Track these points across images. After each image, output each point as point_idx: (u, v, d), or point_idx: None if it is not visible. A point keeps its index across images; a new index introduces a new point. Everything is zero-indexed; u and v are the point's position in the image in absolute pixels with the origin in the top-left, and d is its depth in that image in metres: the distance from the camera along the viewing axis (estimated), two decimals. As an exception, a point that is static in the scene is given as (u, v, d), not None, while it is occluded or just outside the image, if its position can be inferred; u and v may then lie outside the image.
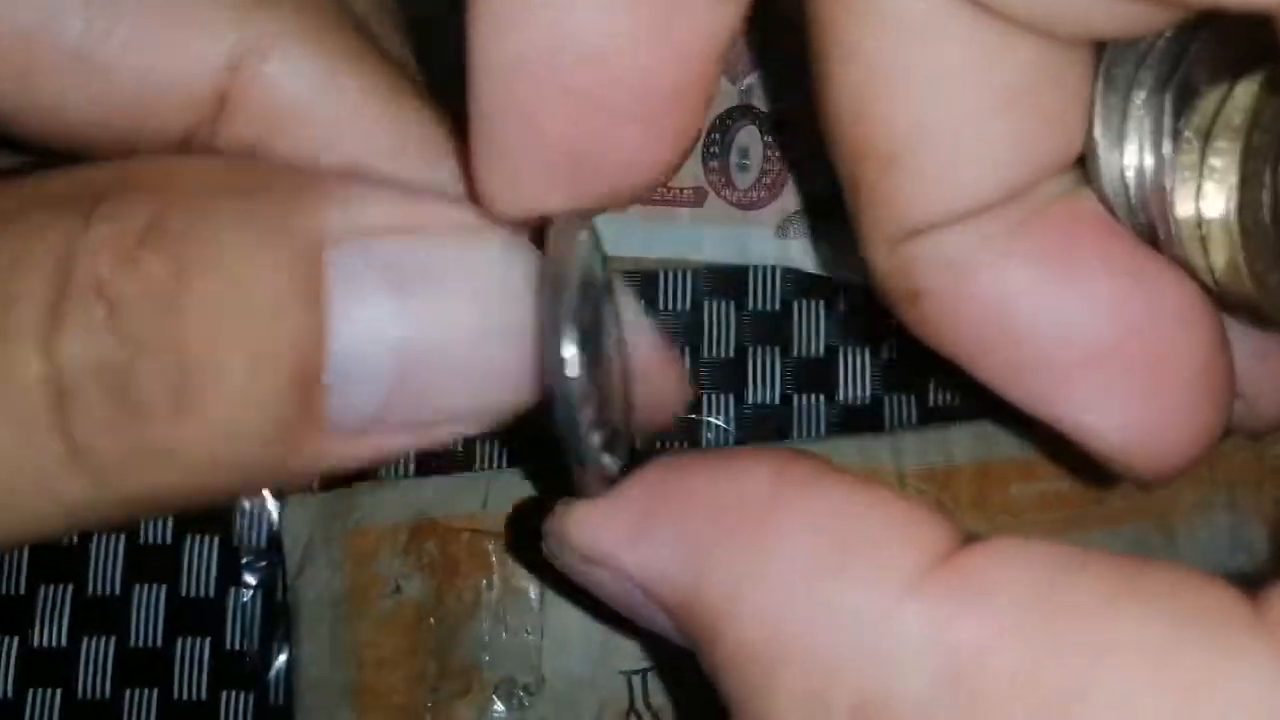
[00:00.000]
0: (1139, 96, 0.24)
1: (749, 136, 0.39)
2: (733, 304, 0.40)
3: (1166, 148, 0.24)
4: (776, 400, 0.39)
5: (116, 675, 0.38)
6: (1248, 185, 0.24)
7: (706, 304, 0.40)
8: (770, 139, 0.39)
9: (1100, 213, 0.24)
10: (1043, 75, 0.22)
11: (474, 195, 0.22)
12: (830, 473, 0.20)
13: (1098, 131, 0.24)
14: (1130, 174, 0.24)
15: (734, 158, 0.39)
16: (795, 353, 0.40)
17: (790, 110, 0.39)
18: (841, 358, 0.40)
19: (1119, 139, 0.24)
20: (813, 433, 0.39)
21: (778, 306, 0.40)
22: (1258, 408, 0.27)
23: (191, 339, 0.19)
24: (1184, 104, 0.24)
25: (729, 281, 0.40)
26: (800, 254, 0.39)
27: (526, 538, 0.25)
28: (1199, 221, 0.24)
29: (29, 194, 0.20)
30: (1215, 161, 0.24)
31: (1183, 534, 0.36)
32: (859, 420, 0.39)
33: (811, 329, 0.40)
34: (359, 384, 0.20)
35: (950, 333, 0.24)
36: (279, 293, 0.19)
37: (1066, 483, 0.36)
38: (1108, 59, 0.24)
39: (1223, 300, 0.25)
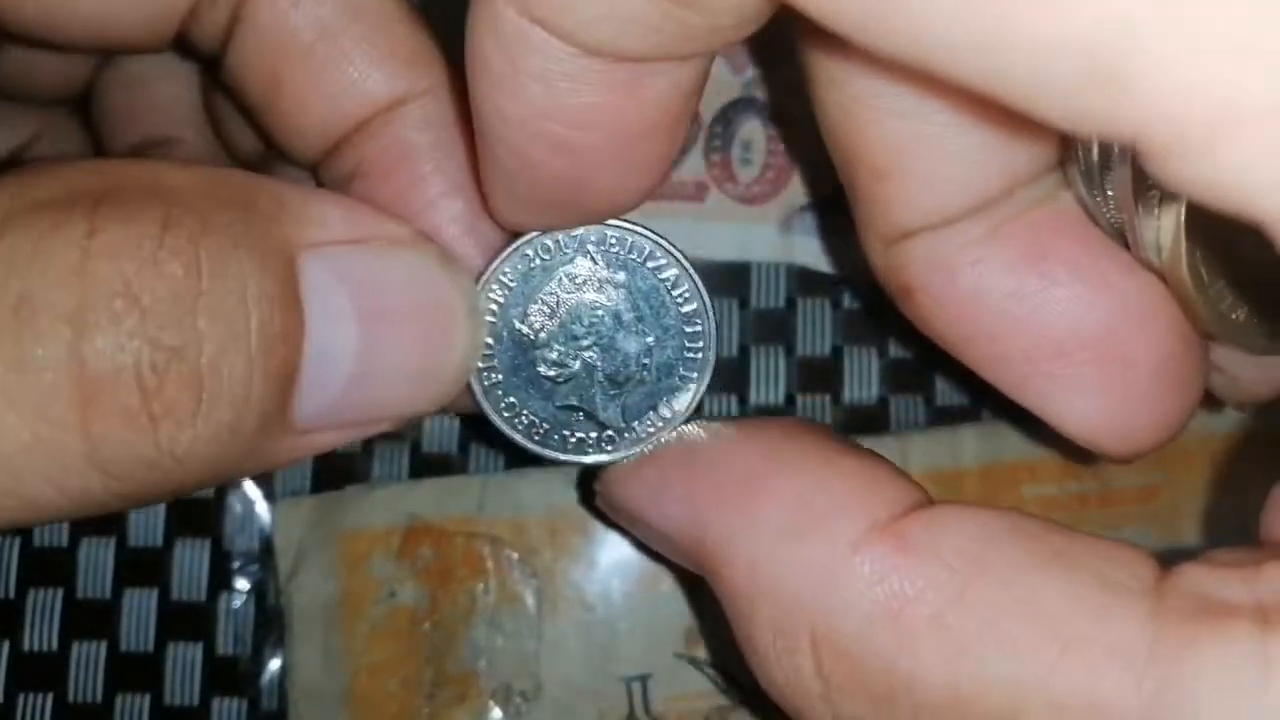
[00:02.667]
0: None
1: (752, 130, 0.38)
2: (735, 302, 0.39)
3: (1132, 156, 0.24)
4: (780, 400, 0.39)
5: (107, 680, 0.38)
6: (1198, 230, 0.24)
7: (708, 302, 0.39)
8: (774, 132, 0.38)
9: (1077, 216, 0.26)
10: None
11: (487, 209, 0.26)
12: (808, 447, 0.24)
13: (1075, 139, 0.25)
14: (1107, 178, 0.25)
15: (736, 152, 0.38)
16: (800, 352, 0.39)
17: (795, 103, 0.38)
18: (847, 357, 0.39)
19: (1091, 143, 0.25)
20: (817, 434, 0.38)
21: (782, 304, 0.39)
22: (1240, 382, 0.30)
23: (208, 340, 0.20)
24: None
25: (731, 279, 0.39)
26: (805, 250, 0.38)
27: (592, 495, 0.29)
28: (1158, 232, 0.25)
29: (27, 194, 0.20)
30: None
31: (1188, 538, 0.36)
32: (865, 421, 0.38)
33: (816, 327, 0.39)
34: (323, 379, 0.23)
35: (937, 325, 0.27)
36: (270, 296, 0.21)
37: (1073, 485, 0.36)
38: None
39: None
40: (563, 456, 0.27)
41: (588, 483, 0.33)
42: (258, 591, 0.37)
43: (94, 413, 0.20)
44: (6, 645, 0.38)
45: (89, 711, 0.38)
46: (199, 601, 0.38)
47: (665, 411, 0.27)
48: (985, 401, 0.38)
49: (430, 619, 0.35)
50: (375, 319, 0.23)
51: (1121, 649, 0.19)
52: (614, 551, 0.36)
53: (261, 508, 0.37)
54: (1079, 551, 0.21)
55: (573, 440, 0.27)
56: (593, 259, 0.27)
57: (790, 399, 0.39)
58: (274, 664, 0.37)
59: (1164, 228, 0.25)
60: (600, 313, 0.27)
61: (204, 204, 0.21)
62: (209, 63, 0.28)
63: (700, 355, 0.27)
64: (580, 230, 0.26)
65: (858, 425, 0.38)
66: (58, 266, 0.19)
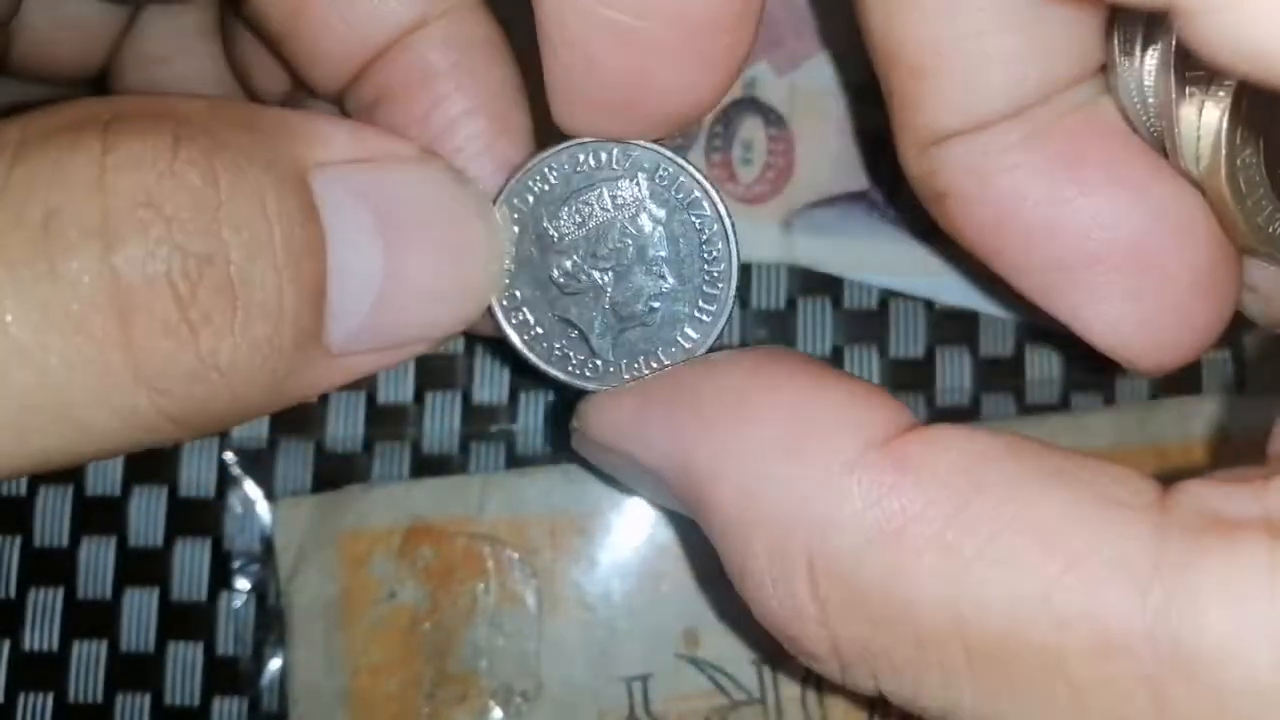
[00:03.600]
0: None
1: (752, 130, 0.38)
2: (736, 302, 0.39)
3: (1172, 55, 0.24)
4: (780, 400, 0.38)
5: (108, 680, 0.38)
6: (1239, 140, 0.24)
7: (709, 302, 0.39)
8: (774, 132, 0.38)
9: (1116, 122, 0.26)
10: None
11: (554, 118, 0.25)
12: (797, 368, 0.23)
13: (1116, 40, 0.25)
14: (1147, 84, 0.25)
15: (737, 151, 0.38)
16: (801, 351, 0.39)
17: (796, 103, 0.38)
18: (848, 357, 0.39)
19: (1135, 49, 0.25)
20: (817, 434, 0.38)
21: (782, 304, 0.39)
22: (1274, 303, 0.29)
23: (234, 248, 0.20)
24: None
25: (732, 278, 0.39)
26: (805, 250, 0.38)
27: (564, 436, 0.28)
28: (1198, 141, 0.25)
29: (37, 124, 0.20)
30: (1220, 91, 0.24)
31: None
32: (865, 421, 0.38)
33: (818, 327, 0.39)
34: (351, 298, 0.22)
35: (970, 231, 0.27)
36: (289, 210, 0.21)
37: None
38: None
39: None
40: (544, 366, 0.27)
41: (562, 423, 0.33)
42: (258, 591, 0.37)
43: (133, 324, 0.20)
44: (6, 645, 0.38)
45: (89, 711, 0.38)
46: (199, 601, 0.38)
47: (654, 363, 0.26)
48: (987, 400, 0.38)
49: (430, 619, 0.35)
50: (396, 234, 0.23)
51: (1125, 563, 0.19)
52: (614, 551, 0.36)
53: (262, 507, 0.37)
54: (1079, 470, 0.21)
55: (557, 353, 0.27)
56: (639, 185, 0.26)
57: (791, 399, 0.39)
58: (274, 664, 0.37)
59: (1204, 136, 0.24)
60: (629, 240, 0.26)
61: (213, 123, 0.21)
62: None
63: (710, 320, 0.26)
64: (637, 152, 0.26)
65: (858, 425, 0.38)
66: (79, 182, 0.19)
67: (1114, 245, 0.26)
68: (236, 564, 0.38)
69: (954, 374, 0.38)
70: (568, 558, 0.36)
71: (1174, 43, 0.24)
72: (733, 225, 0.26)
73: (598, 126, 0.25)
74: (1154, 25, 0.24)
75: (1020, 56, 0.24)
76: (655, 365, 0.26)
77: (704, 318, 0.26)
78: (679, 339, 0.26)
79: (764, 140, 0.38)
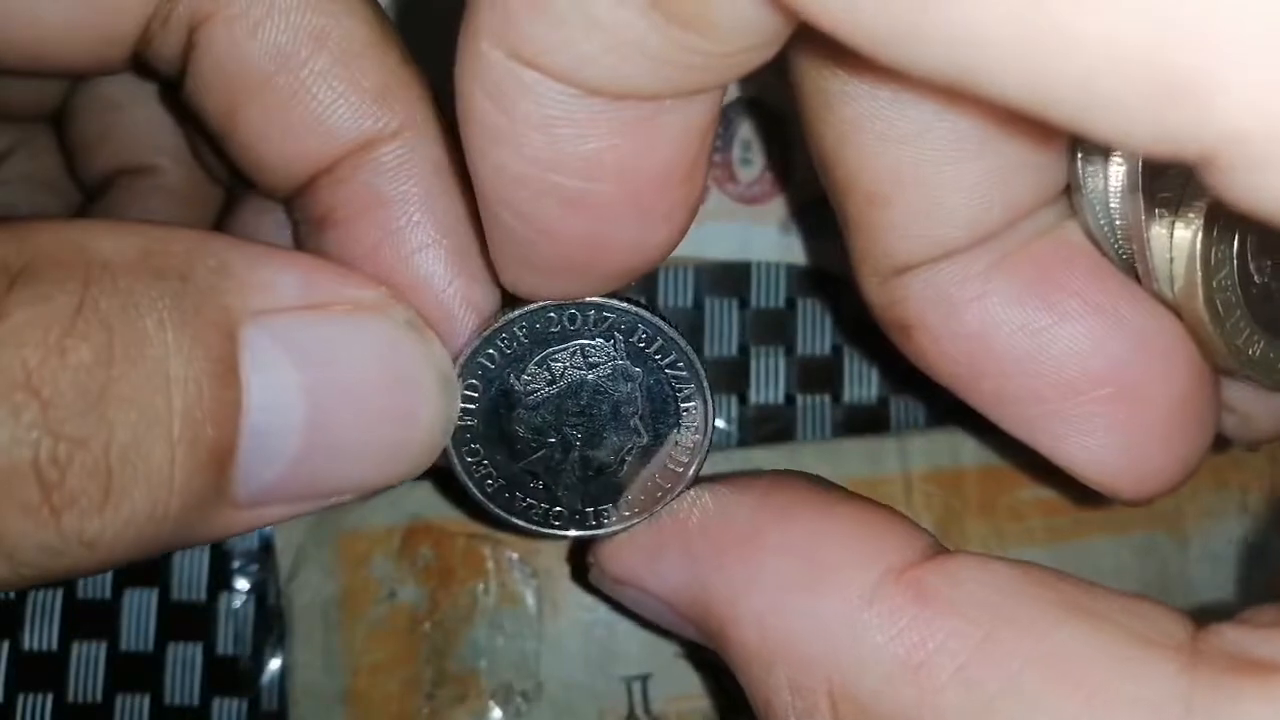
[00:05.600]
0: None
1: (752, 130, 0.38)
2: (735, 302, 0.39)
3: (1139, 176, 0.24)
4: (780, 400, 0.39)
5: (107, 680, 0.38)
6: (1213, 261, 0.24)
7: (708, 302, 0.39)
8: (774, 132, 0.38)
9: (1084, 246, 0.25)
10: (1003, 122, 0.23)
11: (496, 279, 0.24)
12: (807, 496, 0.23)
13: (1079, 164, 0.24)
14: (1114, 205, 0.24)
15: (736, 152, 0.38)
16: (800, 352, 0.39)
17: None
18: (847, 357, 0.39)
19: (1101, 169, 0.24)
20: (817, 434, 0.38)
21: (782, 304, 0.39)
22: (1251, 422, 0.28)
23: (119, 427, 0.19)
24: None
25: (731, 279, 0.39)
26: (805, 250, 0.38)
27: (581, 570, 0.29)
28: (1170, 263, 0.24)
29: None
30: (1190, 212, 0.24)
31: (1195, 540, 0.36)
32: (865, 421, 0.38)
33: (816, 328, 0.39)
34: (265, 457, 0.21)
35: (940, 364, 0.26)
36: (200, 372, 0.20)
37: (1075, 487, 0.36)
38: None
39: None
40: (507, 516, 0.26)
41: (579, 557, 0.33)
42: (258, 591, 0.37)
43: None
44: (6, 645, 0.38)
45: (89, 711, 0.37)
46: (199, 601, 0.38)
47: (625, 508, 0.26)
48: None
49: (430, 619, 0.35)
50: (326, 392, 0.22)
51: (1152, 702, 0.19)
52: (614, 552, 0.36)
53: (261, 508, 0.37)
54: (1102, 604, 0.20)
55: (521, 504, 0.26)
56: (614, 345, 0.26)
57: (790, 399, 0.39)
58: (274, 664, 0.37)
59: (1177, 259, 0.24)
60: (601, 398, 0.26)
61: (132, 277, 0.20)
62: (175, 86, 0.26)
63: (684, 465, 0.26)
64: (613, 315, 0.25)
65: (858, 425, 0.38)
66: None
67: (1092, 375, 0.25)
68: (236, 564, 0.38)
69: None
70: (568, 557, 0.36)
71: (1140, 164, 0.23)
72: (709, 384, 0.26)
73: (550, 289, 0.24)
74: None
75: (983, 183, 0.23)
76: (628, 513, 0.26)
77: (677, 467, 0.26)
78: (650, 483, 0.26)
79: (763, 141, 0.38)
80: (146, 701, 0.38)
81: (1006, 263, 0.25)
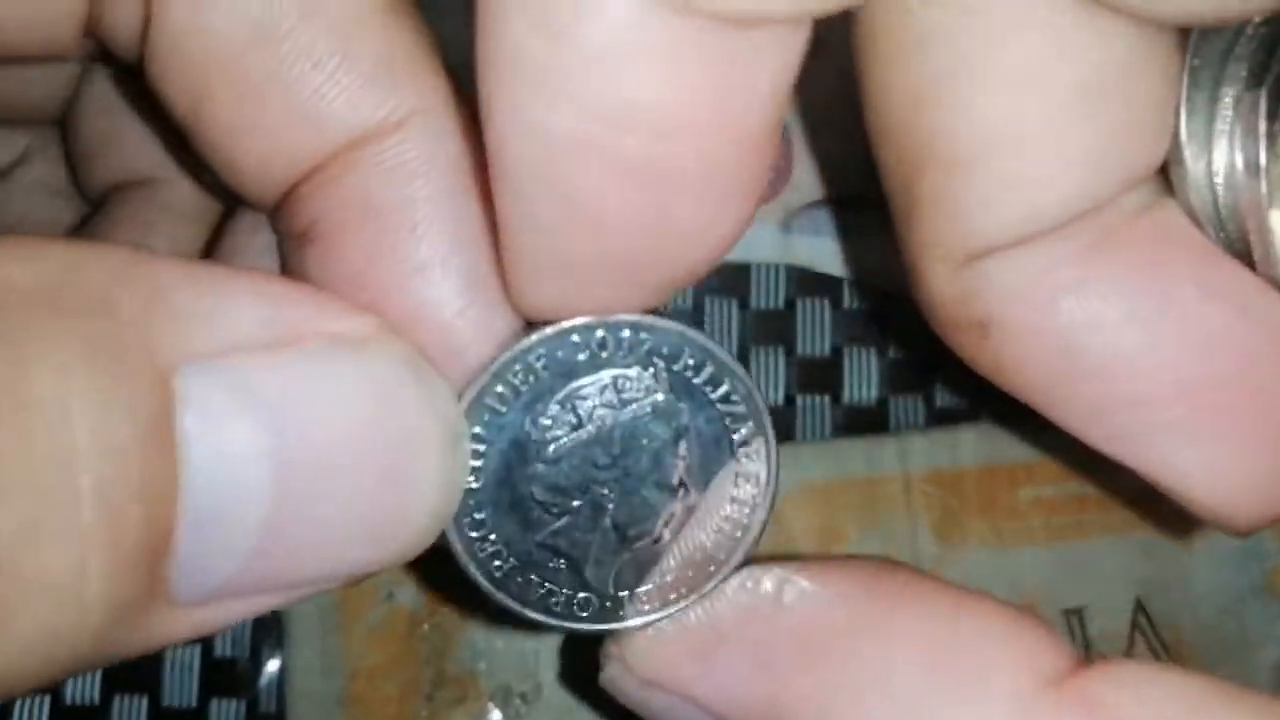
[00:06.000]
0: (1228, 94, 0.21)
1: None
2: (735, 302, 0.39)
3: (1261, 152, 0.21)
4: (780, 401, 0.38)
5: (105, 681, 0.37)
6: None
7: (708, 302, 0.39)
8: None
9: (1186, 228, 0.22)
10: (1125, 71, 0.19)
11: (506, 293, 0.19)
12: (924, 584, 0.19)
13: (1183, 135, 0.21)
14: (1219, 182, 0.21)
15: (736, 152, 0.38)
16: (799, 352, 0.39)
17: (795, 103, 0.38)
18: (847, 357, 0.39)
19: (1206, 142, 0.21)
20: (817, 434, 0.38)
21: (781, 305, 0.39)
22: None
23: (2, 532, 0.14)
24: None
25: (731, 279, 0.39)
26: (805, 250, 0.38)
27: (577, 666, 0.24)
28: None
29: None
30: None
31: (1197, 541, 0.36)
32: (865, 421, 0.38)
33: (816, 328, 0.39)
34: (215, 545, 0.16)
35: (1024, 369, 0.22)
36: (120, 437, 0.15)
37: (1072, 486, 0.36)
38: (1191, 51, 0.21)
39: None
40: (518, 608, 0.21)
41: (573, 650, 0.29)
42: (256, 593, 0.37)
43: None
44: (4, 647, 0.38)
45: (87, 713, 0.37)
46: (197, 603, 0.38)
47: (667, 589, 0.21)
48: (985, 403, 0.38)
49: (429, 621, 0.35)
50: (296, 455, 0.17)
51: None
52: (613, 553, 0.36)
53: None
54: None
55: (540, 590, 0.21)
56: (655, 375, 0.20)
57: (790, 399, 0.39)
58: (272, 666, 0.37)
59: None
60: (638, 445, 0.21)
61: (25, 312, 0.15)
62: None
63: (740, 531, 0.21)
64: (651, 335, 0.20)
65: (857, 425, 0.38)
66: None
67: (1214, 376, 0.21)
68: (234, 566, 0.37)
69: (952, 375, 0.38)
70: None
71: (1261, 136, 0.21)
72: (772, 424, 0.21)
73: (580, 301, 0.19)
74: (1237, 111, 0.21)
75: (1087, 146, 0.19)
76: (673, 595, 0.21)
77: (735, 531, 0.21)
78: (700, 554, 0.21)
79: (763, 140, 0.38)
80: (144, 703, 0.37)
81: (1107, 244, 0.20)
